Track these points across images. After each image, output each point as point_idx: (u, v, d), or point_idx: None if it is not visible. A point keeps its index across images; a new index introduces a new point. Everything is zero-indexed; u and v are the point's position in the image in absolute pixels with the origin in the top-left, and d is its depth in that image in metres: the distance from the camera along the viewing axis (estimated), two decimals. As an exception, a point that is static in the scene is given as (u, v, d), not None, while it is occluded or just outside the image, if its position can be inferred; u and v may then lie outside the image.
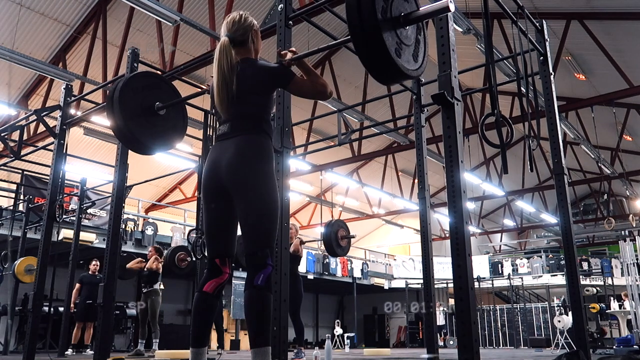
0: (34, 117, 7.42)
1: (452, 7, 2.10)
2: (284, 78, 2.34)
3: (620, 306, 13.01)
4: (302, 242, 6.47)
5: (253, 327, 2.11)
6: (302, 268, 15.22)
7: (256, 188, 2.20)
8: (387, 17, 2.04)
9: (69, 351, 8.14)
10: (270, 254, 2.20)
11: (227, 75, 2.23)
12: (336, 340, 14.71)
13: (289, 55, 2.40)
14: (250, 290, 2.14)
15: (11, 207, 9.75)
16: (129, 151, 4.74)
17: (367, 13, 1.97)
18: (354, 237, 7.40)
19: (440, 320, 17.42)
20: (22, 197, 9.80)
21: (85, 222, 10.04)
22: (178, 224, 12.74)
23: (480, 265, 18.40)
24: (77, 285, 8.44)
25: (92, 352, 7.51)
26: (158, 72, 6.26)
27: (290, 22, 3.61)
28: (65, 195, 7.95)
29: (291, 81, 2.33)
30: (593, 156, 13.23)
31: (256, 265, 2.16)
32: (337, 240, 6.72)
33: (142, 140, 3.07)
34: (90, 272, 8.66)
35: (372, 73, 2.13)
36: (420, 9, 2.18)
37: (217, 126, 2.42)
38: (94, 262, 8.75)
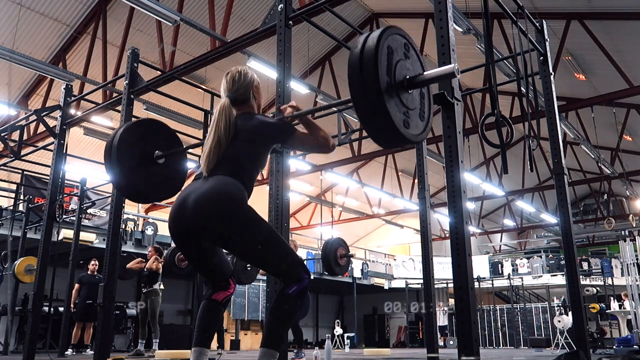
0: (34, 117, 7.42)
1: (457, 74, 2.05)
2: (284, 133, 2.26)
3: (620, 306, 13.01)
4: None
5: (270, 329, 2.10)
6: (302, 268, 15.22)
7: (239, 229, 2.04)
8: (392, 92, 1.94)
9: (69, 351, 8.14)
10: (301, 268, 2.12)
11: (222, 140, 2.15)
12: (336, 340, 14.71)
13: (289, 111, 2.33)
14: (279, 296, 2.12)
15: (11, 207, 9.76)
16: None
17: (371, 90, 1.87)
18: (352, 256, 7.35)
19: (443, 320, 17.41)
20: (22, 197, 9.81)
21: (85, 222, 10.04)
22: (178, 224, 12.72)
23: (480, 265, 18.40)
24: (77, 285, 8.44)
25: (92, 352, 7.51)
26: (158, 71, 6.27)
27: (290, 22, 3.61)
28: (65, 195, 7.96)
29: (292, 136, 2.26)
30: (593, 156, 13.22)
31: (290, 279, 2.12)
32: (335, 259, 6.65)
33: (145, 193, 3.02)
34: (89, 272, 8.65)
35: (379, 144, 2.05)
36: (425, 73, 2.09)
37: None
38: (92, 262, 8.73)
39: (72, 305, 8.32)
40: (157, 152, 3.03)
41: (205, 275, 2.31)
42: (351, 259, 17.47)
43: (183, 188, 2.19)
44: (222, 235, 2.06)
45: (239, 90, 2.31)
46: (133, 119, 3.43)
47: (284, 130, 2.26)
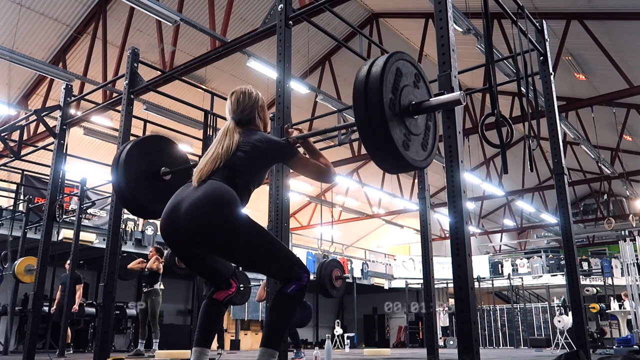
0: (34, 117, 7.42)
1: (463, 101, 2.08)
2: (287, 154, 2.26)
3: (620, 306, 13.02)
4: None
5: (270, 329, 2.10)
6: (302, 268, 15.24)
7: (234, 235, 2.01)
8: (395, 109, 1.95)
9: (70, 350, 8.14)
10: (300, 267, 2.11)
11: (221, 156, 2.12)
12: (336, 340, 14.71)
13: (295, 133, 2.37)
14: (277, 296, 2.12)
15: (11, 207, 9.76)
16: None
17: (374, 108, 1.90)
18: (348, 277, 7.30)
19: (444, 320, 17.40)
20: (22, 197, 9.81)
21: (85, 222, 10.03)
22: (178, 224, 12.71)
23: (480, 265, 18.40)
24: (60, 286, 8.35)
25: (73, 352, 7.42)
26: (158, 71, 6.26)
27: (290, 22, 3.61)
28: (65, 195, 7.94)
29: (294, 158, 2.26)
30: (593, 156, 13.22)
31: (289, 279, 2.11)
32: (331, 281, 6.53)
33: (146, 205, 3.03)
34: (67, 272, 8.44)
35: (377, 164, 2.06)
36: (431, 99, 2.11)
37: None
38: (68, 262, 8.13)
39: (54, 307, 8.27)
40: (163, 168, 3.08)
41: (213, 282, 2.30)
42: (351, 259, 17.47)
43: (174, 195, 2.11)
44: (218, 243, 2.03)
45: (244, 111, 2.30)
46: (147, 134, 3.53)
47: (286, 150, 2.26)
